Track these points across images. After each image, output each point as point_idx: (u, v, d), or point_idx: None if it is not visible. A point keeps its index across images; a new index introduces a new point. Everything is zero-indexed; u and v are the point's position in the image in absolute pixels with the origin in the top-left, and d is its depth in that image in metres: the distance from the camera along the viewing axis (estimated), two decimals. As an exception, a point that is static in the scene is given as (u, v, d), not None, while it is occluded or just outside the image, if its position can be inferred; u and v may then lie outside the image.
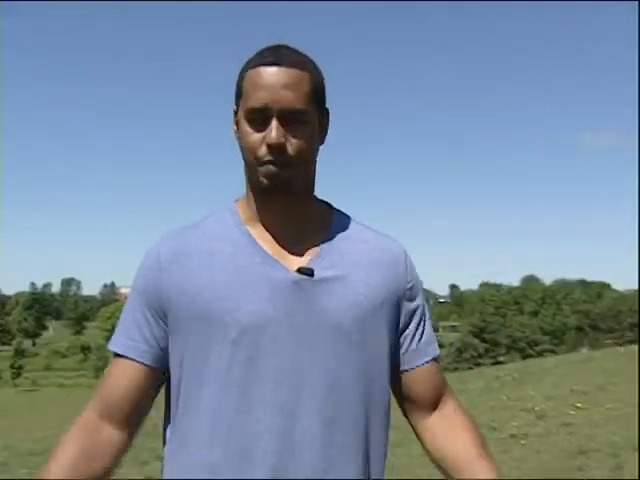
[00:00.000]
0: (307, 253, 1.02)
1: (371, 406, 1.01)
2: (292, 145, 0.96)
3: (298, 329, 0.97)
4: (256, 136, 0.97)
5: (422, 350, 1.09)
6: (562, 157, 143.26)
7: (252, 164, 0.98)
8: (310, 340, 0.97)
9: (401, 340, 1.08)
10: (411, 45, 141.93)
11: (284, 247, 1.02)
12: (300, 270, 0.99)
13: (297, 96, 0.96)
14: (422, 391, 1.09)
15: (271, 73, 0.96)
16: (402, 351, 1.08)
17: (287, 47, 1.01)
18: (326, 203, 1.11)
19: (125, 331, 1.03)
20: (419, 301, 1.11)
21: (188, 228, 1.06)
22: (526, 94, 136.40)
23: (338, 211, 1.11)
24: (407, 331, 1.09)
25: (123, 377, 1.01)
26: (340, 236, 1.06)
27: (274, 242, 1.02)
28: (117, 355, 1.03)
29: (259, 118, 0.96)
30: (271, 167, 0.96)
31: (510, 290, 71.26)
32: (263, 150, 0.96)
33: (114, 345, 1.03)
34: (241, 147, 1.01)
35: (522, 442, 5.43)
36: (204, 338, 0.97)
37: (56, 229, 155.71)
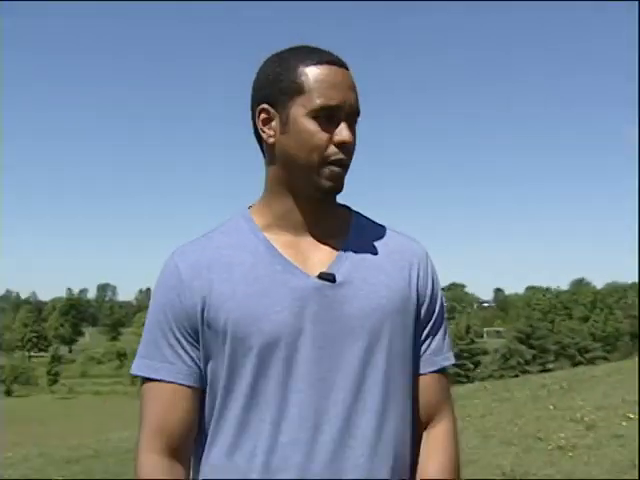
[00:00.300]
0: (328, 257, 1.01)
1: (396, 411, 0.99)
2: (354, 146, 0.98)
3: (321, 336, 0.96)
4: (324, 134, 0.95)
5: (428, 359, 1.05)
6: (613, 155, 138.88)
7: (312, 164, 0.96)
8: (334, 347, 0.96)
9: (417, 345, 1.05)
10: (424, 41, 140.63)
11: (305, 252, 1.00)
12: (321, 276, 0.97)
13: (357, 98, 0.98)
14: (422, 400, 1.04)
15: (338, 73, 0.97)
16: (416, 356, 1.05)
17: (323, 49, 1.01)
18: (345, 206, 1.09)
19: (160, 355, 0.99)
20: (437, 306, 1.08)
21: (202, 240, 1.03)
22: (571, 92, 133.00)
23: (357, 213, 1.10)
24: (424, 336, 1.06)
25: (174, 405, 0.98)
26: (360, 239, 1.04)
27: (295, 248, 1.00)
28: (155, 380, 0.98)
29: (326, 117, 0.95)
30: (336, 168, 0.96)
31: (558, 294, 69.32)
32: (332, 149, 0.95)
33: (151, 371, 0.98)
34: (281, 148, 0.98)
35: (570, 454, 5.22)
36: (229, 350, 0.96)
37: (91, 234, 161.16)
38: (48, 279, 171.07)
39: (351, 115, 0.97)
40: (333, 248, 1.02)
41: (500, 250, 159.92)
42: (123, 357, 66.46)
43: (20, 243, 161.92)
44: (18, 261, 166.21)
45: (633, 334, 51.04)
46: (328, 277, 0.97)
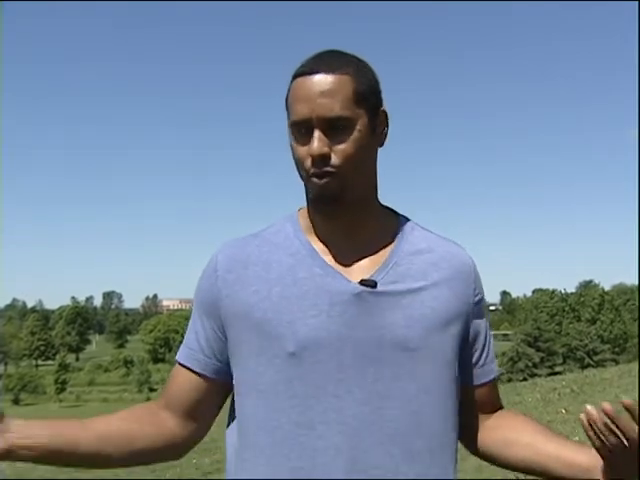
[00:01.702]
0: (371, 264, 0.98)
1: (439, 421, 0.96)
2: (337, 153, 0.93)
3: (359, 343, 0.93)
4: (302, 149, 0.95)
5: (487, 369, 1.07)
6: (619, 156, 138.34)
7: (303, 178, 0.98)
8: (372, 355, 0.93)
9: (466, 356, 1.04)
10: (423, 42, 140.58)
11: (346, 259, 0.98)
12: (362, 282, 0.95)
13: (336, 102, 0.92)
14: (481, 410, 1.08)
15: (308, 83, 0.94)
16: (467, 368, 1.05)
17: (332, 51, 0.98)
18: (390, 209, 1.06)
19: (187, 340, 1.04)
20: (485, 316, 1.07)
21: (249, 236, 1.04)
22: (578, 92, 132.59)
23: (403, 217, 1.06)
24: (474, 348, 1.05)
25: (183, 384, 1.02)
26: (405, 245, 1.01)
27: (336, 254, 0.99)
28: (177, 363, 1.04)
29: (303, 130, 0.94)
30: (315, 180, 0.94)
31: (565, 296, 68.91)
32: (308, 163, 0.94)
33: (178, 353, 1.05)
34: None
35: (584, 458, 5.15)
36: (261, 350, 0.94)
37: (97, 242, 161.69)
38: (54, 287, 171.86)
39: (328, 122, 0.92)
40: (377, 255, 0.99)
41: (506, 253, 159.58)
42: (130, 364, 66.46)
43: (26, 252, 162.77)
44: (24, 270, 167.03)
45: (641, 336, 50.69)
46: (369, 283, 0.95)
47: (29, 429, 0.94)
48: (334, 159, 0.93)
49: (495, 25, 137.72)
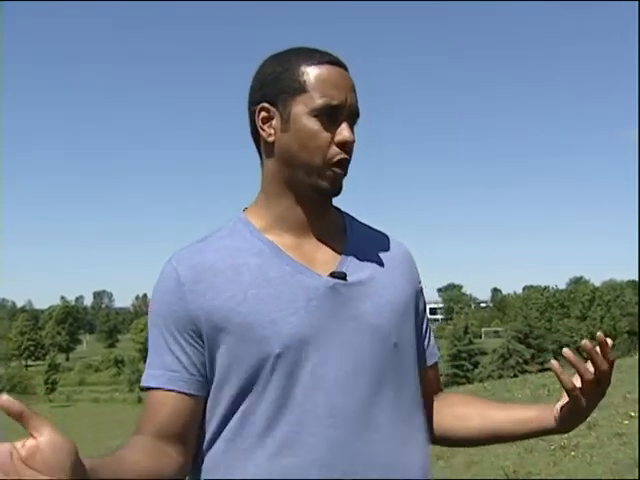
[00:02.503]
0: (332, 257, 1.00)
1: (410, 407, 1.00)
2: (353, 147, 0.98)
3: (339, 334, 0.95)
4: (326, 134, 0.94)
5: (433, 350, 1.13)
6: (610, 153, 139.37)
7: (314, 164, 0.95)
8: (352, 345, 0.95)
9: (418, 339, 1.09)
10: (422, 42, 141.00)
11: (309, 253, 0.99)
12: (333, 275, 0.97)
13: (357, 100, 0.98)
14: (429, 392, 1.11)
15: (339, 73, 0.96)
16: (420, 350, 1.09)
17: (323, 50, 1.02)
18: (336, 207, 1.09)
19: (161, 363, 0.95)
20: (424, 302, 1.13)
21: (199, 245, 1.00)
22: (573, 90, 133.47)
23: (347, 214, 1.10)
24: (422, 330, 1.11)
25: (174, 409, 0.94)
26: (357, 238, 1.05)
27: (298, 249, 0.99)
28: (155, 389, 0.95)
29: (328, 116, 0.94)
30: (338, 170, 0.96)
31: (555, 293, 69.34)
32: (334, 150, 0.95)
33: (152, 379, 0.95)
34: (281, 147, 0.97)
35: (572, 454, 5.20)
36: (245, 354, 0.92)
37: (87, 241, 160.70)
38: (44, 287, 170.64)
39: (351, 116, 0.97)
40: (335, 248, 1.01)
41: (497, 250, 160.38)
42: (121, 364, 66.11)
43: (15, 251, 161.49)
44: (13, 269, 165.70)
45: (631, 332, 51.12)
46: (340, 275, 0.97)
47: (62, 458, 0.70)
48: (350, 153, 0.97)
49: (494, 25, 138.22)
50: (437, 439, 1.12)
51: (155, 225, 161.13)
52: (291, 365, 0.92)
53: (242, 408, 0.93)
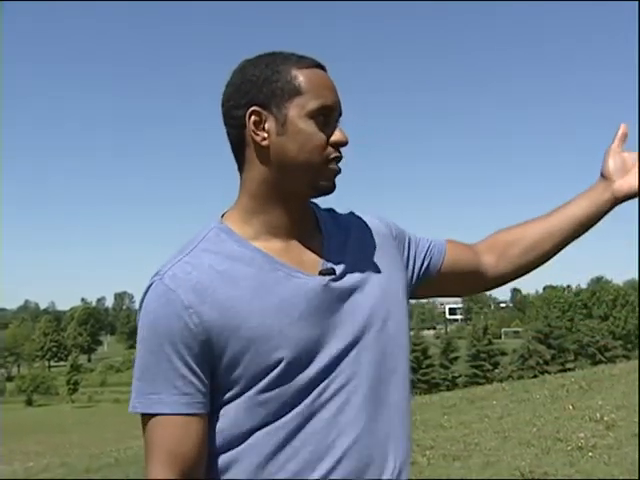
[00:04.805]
0: (317, 254, 1.03)
1: (406, 389, 1.06)
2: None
3: (341, 330, 0.99)
4: (322, 135, 0.97)
5: (437, 248, 1.17)
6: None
7: (313, 165, 0.97)
8: (354, 337, 0.99)
9: (417, 261, 1.15)
10: (421, 42, 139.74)
11: (297, 255, 1.01)
12: (322, 272, 1.00)
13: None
14: (464, 258, 1.18)
15: (327, 76, 1.00)
16: (426, 264, 1.15)
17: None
18: None
19: (171, 388, 0.93)
20: (406, 233, 1.16)
21: (188, 260, 0.96)
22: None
23: (314, 204, 1.11)
24: (420, 257, 1.16)
25: (190, 435, 0.93)
26: (331, 229, 1.08)
27: (287, 252, 1.01)
28: (167, 415, 0.93)
29: (323, 117, 0.97)
30: (333, 167, 0.99)
31: (577, 292, 68.29)
32: (330, 149, 0.98)
33: (167, 406, 0.93)
34: (277, 150, 0.97)
35: (590, 454, 5.14)
36: (257, 366, 0.94)
37: (109, 243, 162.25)
38: (66, 288, 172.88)
39: (339, 115, 1.01)
40: (317, 245, 1.04)
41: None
42: (141, 365, 66.28)
43: (38, 253, 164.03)
44: (36, 272, 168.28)
45: (654, 331, 50.14)
46: (329, 272, 1.00)
47: None
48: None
49: (494, 26, 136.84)
50: (500, 276, 1.21)
51: (176, 227, 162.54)
52: (302, 369, 0.95)
53: (258, 421, 0.94)
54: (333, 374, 0.97)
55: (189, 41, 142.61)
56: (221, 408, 0.96)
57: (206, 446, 0.96)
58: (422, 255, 1.16)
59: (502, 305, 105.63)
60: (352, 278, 1.02)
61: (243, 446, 0.95)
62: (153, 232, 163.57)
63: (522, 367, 39.71)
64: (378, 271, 1.06)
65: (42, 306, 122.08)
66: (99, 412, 46.35)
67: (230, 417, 0.96)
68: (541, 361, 40.28)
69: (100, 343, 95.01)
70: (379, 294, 1.04)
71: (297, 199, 1.01)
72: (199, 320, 0.92)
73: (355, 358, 0.99)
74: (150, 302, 0.95)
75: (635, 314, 56.76)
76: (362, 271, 1.04)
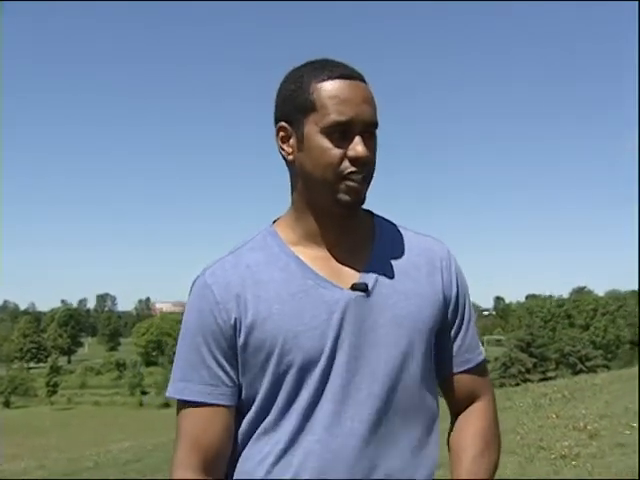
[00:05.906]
0: (358, 268, 1.02)
1: (425, 415, 1.03)
2: (370, 159, 0.98)
3: (357, 346, 0.98)
4: (337, 151, 0.96)
5: (460, 358, 1.09)
6: (613, 161, 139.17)
7: (328, 181, 0.97)
8: (368, 356, 0.99)
9: (446, 344, 1.08)
10: (421, 43, 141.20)
11: (336, 266, 1.02)
12: (353, 287, 0.99)
13: (373, 110, 0.99)
14: (462, 396, 1.09)
15: (350, 87, 0.97)
16: (447, 356, 1.09)
17: (343, 62, 1.02)
18: (367, 211, 1.10)
19: (199, 377, 1.00)
20: (463, 305, 1.09)
21: (231, 259, 1.03)
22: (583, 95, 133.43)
23: (378, 217, 1.11)
24: (452, 336, 1.08)
25: (213, 425, 0.99)
26: (385, 245, 1.06)
27: (325, 262, 1.02)
28: (194, 403, 1.00)
29: (339, 132, 0.96)
30: (352, 183, 0.97)
31: (559, 302, 69.14)
32: (345, 164, 0.96)
33: (191, 393, 0.99)
34: (299, 165, 0.99)
35: (573, 463, 5.17)
36: (271, 369, 0.98)
37: (91, 244, 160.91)
38: (47, 289, 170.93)
39: (367, 129, 0.98)
40: (362, 259, 1.03)
41: (500, 258, 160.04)
42: (122, 367, 66.03)
43: (18, 253, 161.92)
44: (16, 272, 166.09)
45: (634, 342, 50.88)
46: (360, 287, 0.99)
47: None
48: (369, 165, 0.98)
49: (494, 26, 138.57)
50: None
51: (159, 230, 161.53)
52: (309, 378, 0.97)
53: (266, 420, 0.99)
54: (335, 392, 0.97)
55: (189, 41, 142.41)
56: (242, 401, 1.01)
57: (231, 438, 1.00)
58: (444, 341, 1.08)
59: (485, 313, 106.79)
60: (384, 300, 1.00)
61: (249, 444, 1.00)
62: (137, 233, 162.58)
63: (504, 375, 40.01)
64: (417, 302, 1.03)
65: (22, 307, 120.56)
66: (78, 414, 45.81)
67: (248, 413, 1.00)
68: (523, 369, 40.65)
69: (81, 345, 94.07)
70: (405, 323, 1.01)
71: (326, 212, 1.01)
72: (227, 317, 0.99)
73: (361, 385, 0.98)
74: (190, 295, 1.03)
75: (615, 324, 57.55)
76: (398, 297, 1.02)
